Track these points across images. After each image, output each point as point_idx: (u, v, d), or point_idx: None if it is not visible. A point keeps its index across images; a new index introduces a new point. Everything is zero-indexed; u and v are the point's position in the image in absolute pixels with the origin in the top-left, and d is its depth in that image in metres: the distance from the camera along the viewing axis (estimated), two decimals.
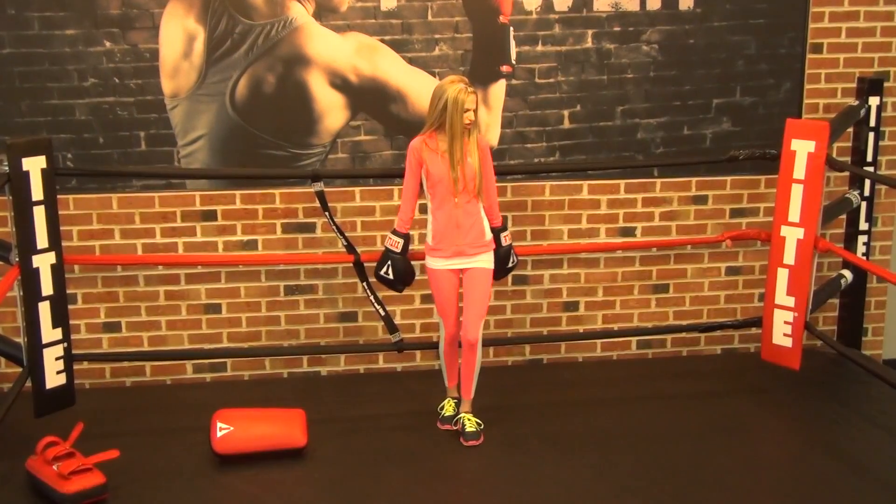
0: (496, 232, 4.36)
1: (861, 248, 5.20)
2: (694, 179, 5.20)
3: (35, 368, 4.24)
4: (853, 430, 4.53)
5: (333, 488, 4.00)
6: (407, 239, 4.34)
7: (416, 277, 4.48)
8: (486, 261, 4.31)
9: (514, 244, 4.45)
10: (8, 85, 4.70)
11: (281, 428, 4.24)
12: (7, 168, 4.07)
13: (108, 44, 4.72)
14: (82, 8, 4.67)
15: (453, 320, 4.36)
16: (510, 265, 4.47)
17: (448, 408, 4.53)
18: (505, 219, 4.57)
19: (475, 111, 4.15)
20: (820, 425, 4.59)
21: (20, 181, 4.09)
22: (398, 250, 4.33)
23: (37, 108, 4.75)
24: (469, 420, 4.39)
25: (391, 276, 4.37)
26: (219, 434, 4.15)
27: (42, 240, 4.18)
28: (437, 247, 4.26)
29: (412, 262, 4.42)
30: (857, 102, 5.07)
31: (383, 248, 4.39)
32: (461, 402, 4.46)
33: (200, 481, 4.06)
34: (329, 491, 3.98)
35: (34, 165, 4.12)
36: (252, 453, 4.18)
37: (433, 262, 4.29)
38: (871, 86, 5.04)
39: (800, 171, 4.63)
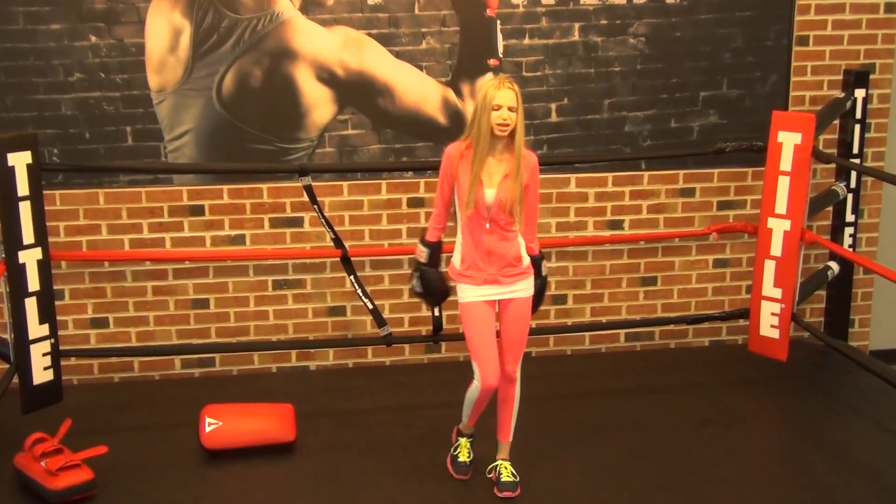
0: (535, 261, 3.75)
1: (847, 240, 5.22)
2: (681, 172, 5.21)
3: (22, 365, 4.23)
4: (840, 420, 4.55)
5: (322, 483, 4.00)
6: (434, 249, 3.78)
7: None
8: (526, 288, 3.71)
9: None
10: None
11: (270, 423, 4.24)
12: None
13: (93, 38, 4.70)
14: (67, 2, 4.64)
15: (492, 367, 3.64)
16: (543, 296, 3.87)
17: (463, 452, 3.94)
18: (542, 252, 3.85)
19: (516, 111, 3.48)
20: (807, 416, 4.61)
21: (6, 177, 4.06)
22: (424, 260, 3.77)
23: (22, 103, 4.72)
24: (506, 469, 3.85)
25: (419, 289, 3.81)
26: (207, 429, 4.14)
27: (28, 235, 4.16)
28: (465, 273, 3.68)
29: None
30: (843, 94, 5.09)
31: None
32: (499, 448, 3.90)
33: (189, 477, 4.05)
34: (318, 485, 3.98)
35: (20, 161, 4.10)
36: (241, 448, 4.17)
37: (464, 292, 3.69)
38: (857, 78, 5.05)
39: (786, 163, 4.65)
